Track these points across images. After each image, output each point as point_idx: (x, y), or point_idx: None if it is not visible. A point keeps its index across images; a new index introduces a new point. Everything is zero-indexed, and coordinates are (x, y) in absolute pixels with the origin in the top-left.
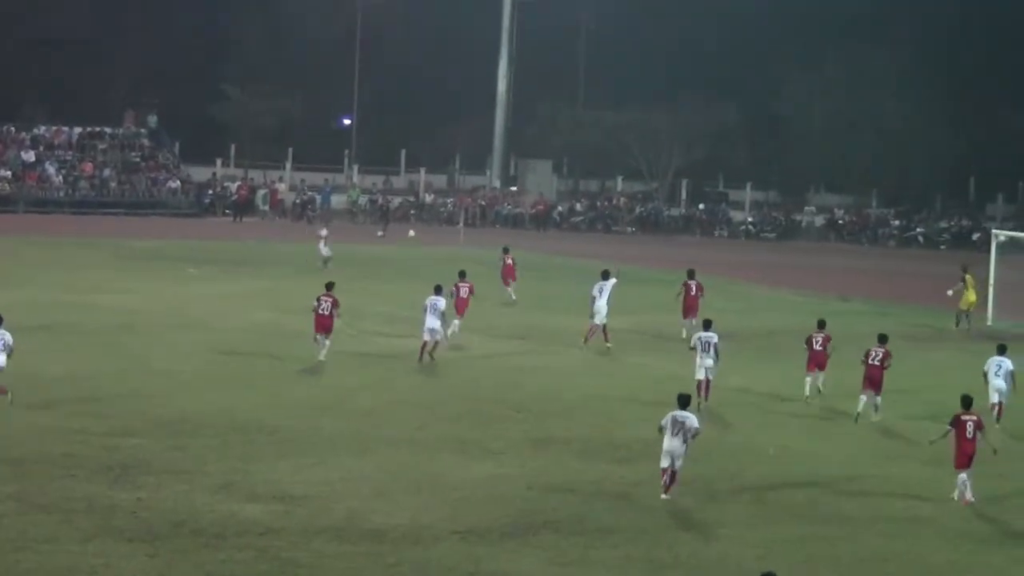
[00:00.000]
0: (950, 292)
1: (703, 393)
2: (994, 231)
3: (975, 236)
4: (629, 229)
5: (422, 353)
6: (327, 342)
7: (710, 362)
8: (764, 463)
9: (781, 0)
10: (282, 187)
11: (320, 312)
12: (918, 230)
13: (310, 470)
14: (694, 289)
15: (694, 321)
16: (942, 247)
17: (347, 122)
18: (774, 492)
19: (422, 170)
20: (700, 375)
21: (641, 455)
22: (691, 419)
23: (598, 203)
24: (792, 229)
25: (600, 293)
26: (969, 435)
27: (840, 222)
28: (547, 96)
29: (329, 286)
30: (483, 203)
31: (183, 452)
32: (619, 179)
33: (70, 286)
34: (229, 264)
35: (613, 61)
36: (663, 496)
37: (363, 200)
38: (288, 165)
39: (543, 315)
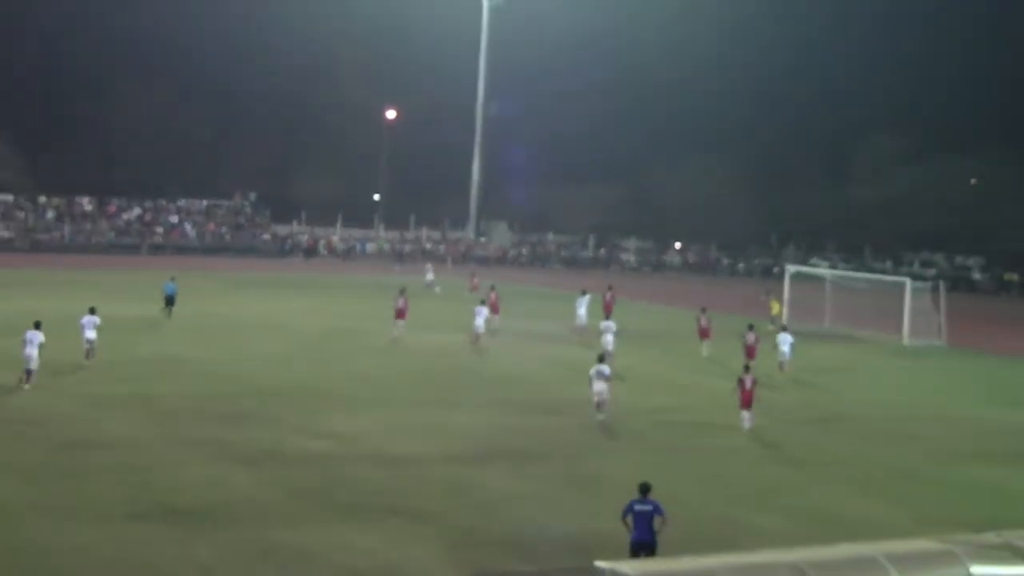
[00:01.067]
0: (762, 297)
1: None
2: (787, 266)
3: (775, 269)
4: (556, 266)
5: (476, 340)
6: (402, 324)
7: (610, 337)
8: (649, 413)
9: (657, 115)
10: (335, 239)
11: (398, 306)
12: (739, 265)
13: (352, 419)
14: (609, 296)
15: (610, 317)
16: (754, 276)
17: (376, 197)
18: (653, 431)
19: (424, 227)
20: (607, 348)
21: (564, 410)
22: (606, 369)
23: (536, 249)
24: (661, 266)
25: (580, 305)
26: (748, 387)
27: (691, 261)
28: (506, 179)
29: (402, 290)
30: (463, 249)
31: (273, 408)
32: (550, 233)
33: (198, 302)
34: (301, 288)
35: (548, 155)
36: (598, 416)
37: (387, 247)
38: (339, 224)
39: (502, 319)
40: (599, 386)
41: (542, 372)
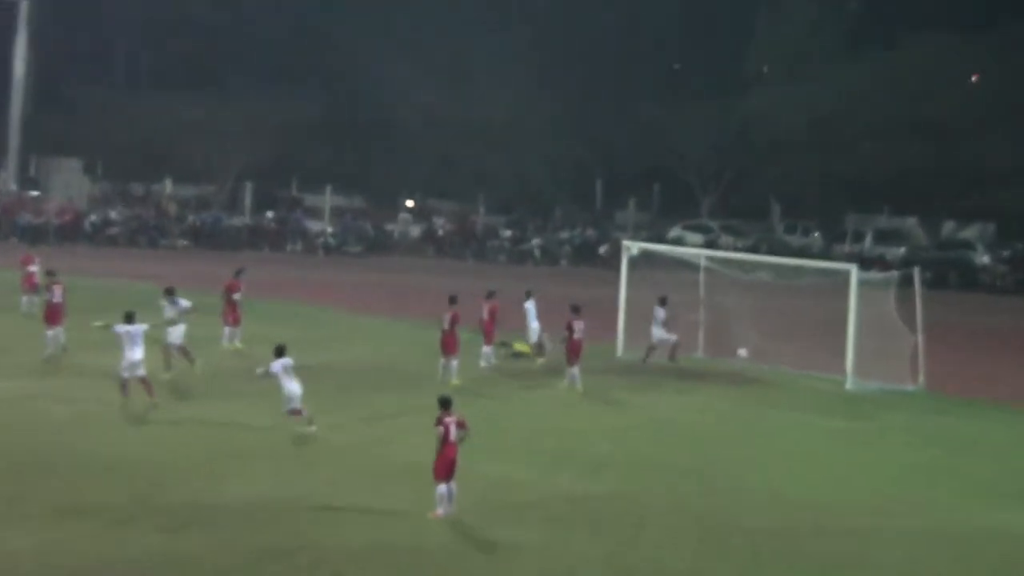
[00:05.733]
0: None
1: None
2: (625, 242)
3: (602, 249)
4: (181, 243)
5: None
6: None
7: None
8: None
9: None
10: None
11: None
12: (535, 242)
13: None
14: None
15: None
16: (563, 262)
17: None
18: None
19: None
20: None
21: (190, 522)
22: (289, 362)
23: (141, 211)
24: (382, 241)
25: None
26: (451, 439)
27: (440, 233)
28: (76, 79)
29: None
30: None
31: None
32: (168, 181)
33: None
34: None
35: (159, 40)
36: (310, 429)
37: None
38: None
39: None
40: (294, 387)
41: (143, 453)
